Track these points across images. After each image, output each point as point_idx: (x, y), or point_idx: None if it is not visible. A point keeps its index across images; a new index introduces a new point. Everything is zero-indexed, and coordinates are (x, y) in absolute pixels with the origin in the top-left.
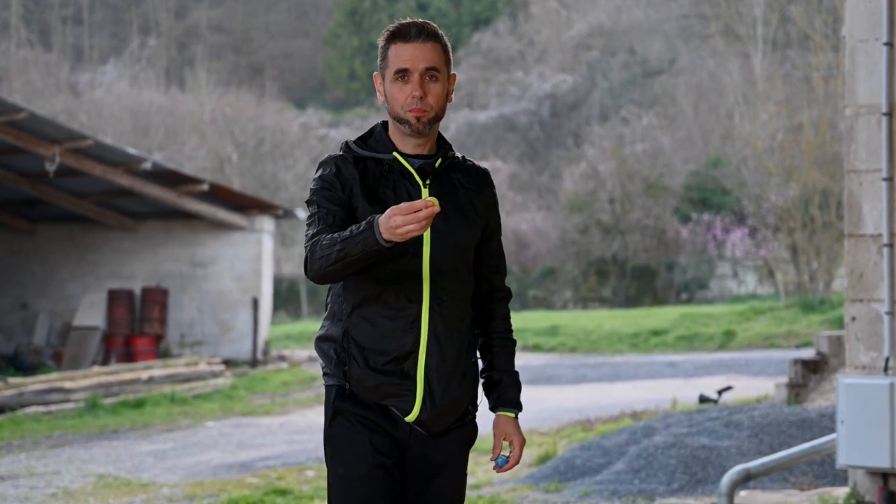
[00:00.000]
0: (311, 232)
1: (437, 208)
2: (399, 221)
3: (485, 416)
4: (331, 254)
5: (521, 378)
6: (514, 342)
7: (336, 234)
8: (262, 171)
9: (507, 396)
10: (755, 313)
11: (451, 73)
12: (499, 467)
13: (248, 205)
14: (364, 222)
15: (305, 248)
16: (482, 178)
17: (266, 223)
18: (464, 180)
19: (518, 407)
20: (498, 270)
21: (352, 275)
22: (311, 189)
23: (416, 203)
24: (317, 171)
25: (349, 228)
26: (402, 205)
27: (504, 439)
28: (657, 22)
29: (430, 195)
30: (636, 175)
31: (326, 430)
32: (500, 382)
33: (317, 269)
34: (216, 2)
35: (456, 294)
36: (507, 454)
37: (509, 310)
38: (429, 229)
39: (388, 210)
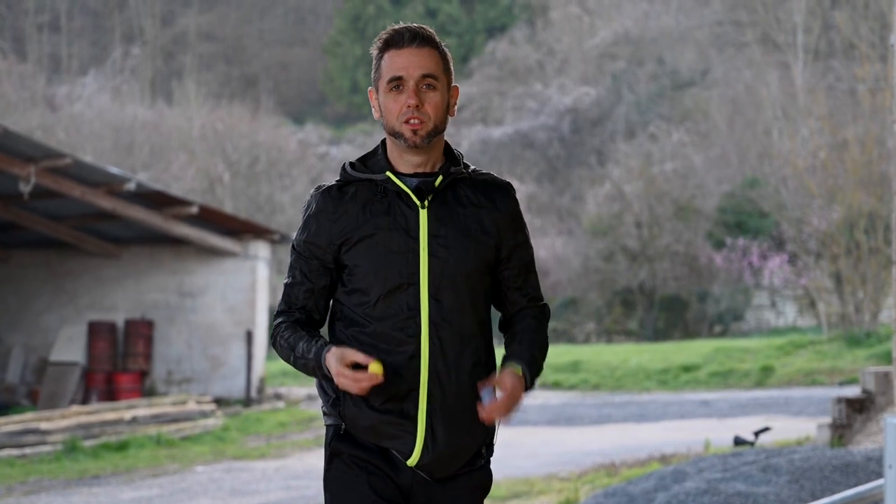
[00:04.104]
0: (279, 305)
1: (380, 379)
2: (342, 383)
3: (497, 460)
4: (288, 356)
5: (540, 417)
6: (546, 315)
7: (293, 339)
8: (257, 193)
9: (518, 355)
10: (795, 347)
11: (453, 84)
12: (480, 402)
13: (241, 229)
14: (315, 347)
15: (273, 320)
16: (497, 193)
17: (261, 249)
18: (472, 197)
19: (528, 365)
20: (525, 292)
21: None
22: (296, 236)
23: (362, 376)
24: (304, 207)
25: (301, 343)
26: (348, 371)
27: (497, 384)
28: (688, 29)
29: (430, 216)
30: (665, 197)
31: (325, 474)
32: (517, 338)
33: (278, 353)
34: (206, 7)
35: (461, 326)
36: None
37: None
38: (426, 255)
39: (337, 365)
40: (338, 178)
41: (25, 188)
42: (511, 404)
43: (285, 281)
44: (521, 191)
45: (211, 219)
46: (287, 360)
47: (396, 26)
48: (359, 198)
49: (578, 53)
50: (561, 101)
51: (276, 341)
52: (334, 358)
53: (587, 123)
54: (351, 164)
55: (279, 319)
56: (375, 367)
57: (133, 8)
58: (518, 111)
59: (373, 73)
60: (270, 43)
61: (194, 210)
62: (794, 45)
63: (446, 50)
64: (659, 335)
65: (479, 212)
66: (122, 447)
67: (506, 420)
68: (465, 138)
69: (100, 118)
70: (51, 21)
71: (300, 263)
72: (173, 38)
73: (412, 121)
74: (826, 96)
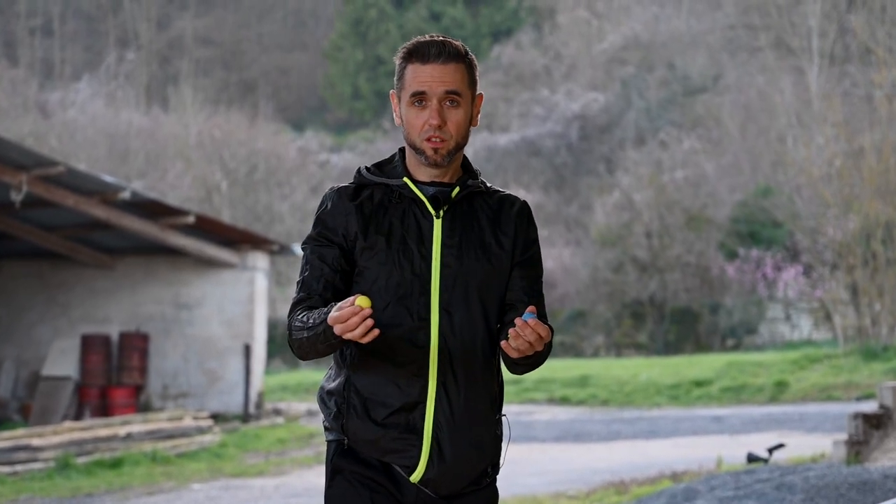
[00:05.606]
0: (294, 297)
1: (367, 311)
2: (339, 330)
3: (503, 477)
4: (301, 338)
5: (547, 434)
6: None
7: (306, 317)
8: (255, 202)
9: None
10: (810, 361)
11: (478, 93)
12: (522, 319)
13: (239, 239)
14: (322, 312)
15: (288, 316)
16: (513, 210)
17: (259, 260)
18: (488, 212)
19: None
20: (527, 304)
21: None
22: (309, 234)
23: (344, 312)
24: (318, 207)
25: (313, 314)
26: (335, 313)
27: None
28: (700, 34)
29: (444, 226)
30: (676, 206)
31: (326, 492)
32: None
33: (295, 349)
34: (203, 11)
35: (472, 338)
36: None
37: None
38: (438, 264)
39: (329, 315)
40: (352, 180)
41: (17, 197)
42: (543, 336)
43: (299, 277)
44: (528, 200)
45: (208, 229)
46: (299, 344)
47: (422, 38)
48: (374, 201)
49: (587, 58)
50: (569, 108)
51: (291, 327)
52: (329, 316)
53: (595, 130)
54: (366, 168)
55: (292, 313)
56: (361, 301)
57: (128, 11)
58: (524, 118)
59: (395, 79)
60: (269, 47)
61: (191, 220)
62: (809, 50)
63: (472, 59)
64: (670, 349)
65: (494, 227)
66: (116, 464)
67: (525, 348)
68: (470, 146)
69: (93, 125)
70: (43, 25)
71: (317, 252)
72: (169, 43)
73: (434, 139)
74: (842, 102)
